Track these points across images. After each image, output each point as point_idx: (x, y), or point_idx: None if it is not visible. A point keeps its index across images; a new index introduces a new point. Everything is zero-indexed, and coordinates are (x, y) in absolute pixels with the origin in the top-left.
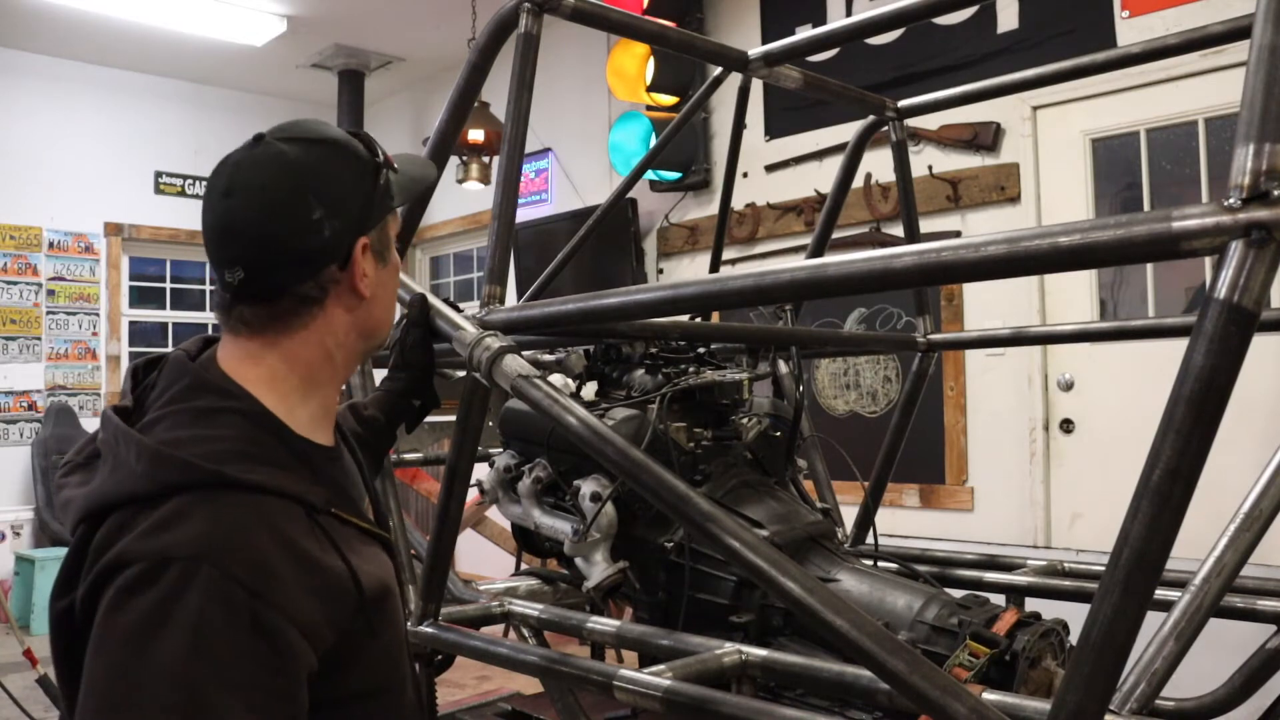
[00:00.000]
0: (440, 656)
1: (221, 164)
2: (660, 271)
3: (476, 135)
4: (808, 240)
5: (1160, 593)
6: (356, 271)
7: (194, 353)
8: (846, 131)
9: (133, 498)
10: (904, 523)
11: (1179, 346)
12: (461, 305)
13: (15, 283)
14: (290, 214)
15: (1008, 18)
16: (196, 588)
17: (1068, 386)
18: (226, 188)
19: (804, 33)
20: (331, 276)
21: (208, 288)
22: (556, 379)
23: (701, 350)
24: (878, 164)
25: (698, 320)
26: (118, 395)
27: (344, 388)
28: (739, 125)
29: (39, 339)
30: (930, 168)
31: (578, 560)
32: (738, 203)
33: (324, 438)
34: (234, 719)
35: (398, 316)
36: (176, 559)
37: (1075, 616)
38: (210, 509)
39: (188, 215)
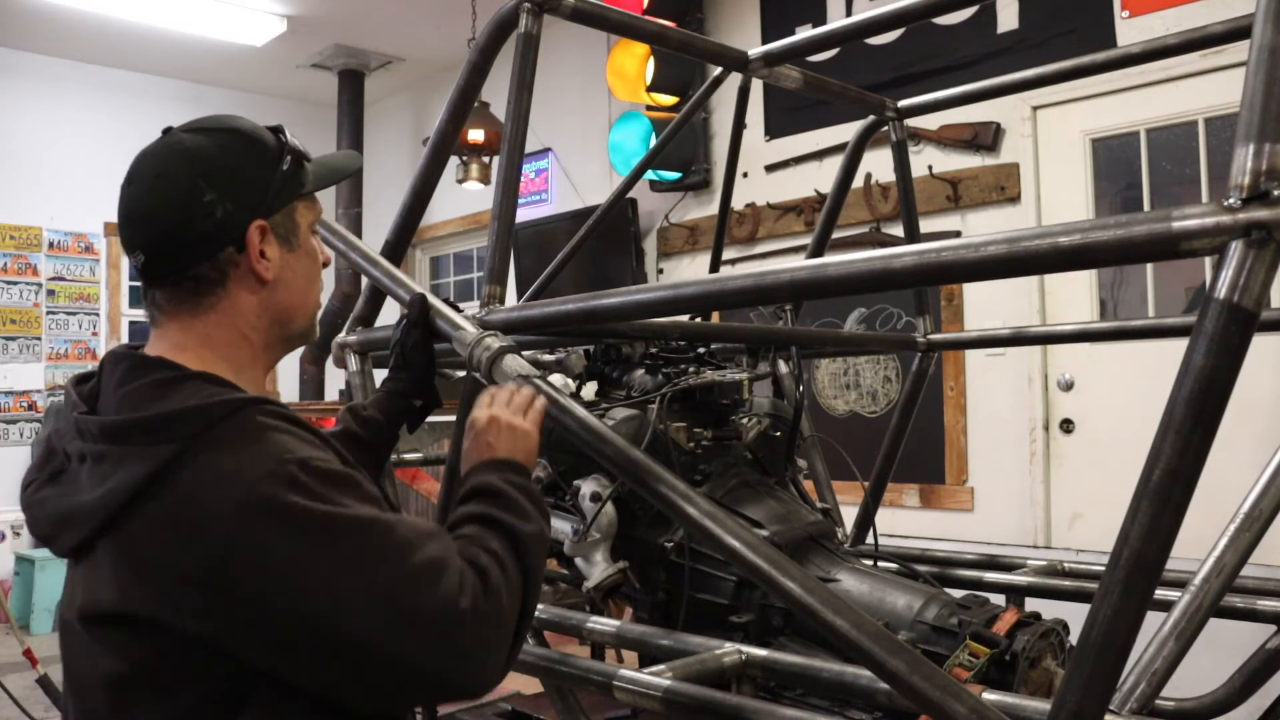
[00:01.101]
0: None
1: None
2: (660, 271)
3: (476, 135)
4: (808, 240)
5: (1160, 593)
6: (253, 254)
7: (121, 352)
8: (846, 131)
9: (152, 477)
10: (904, 523)
11: (1179, 346)
12: (461, 305)
13: (15, 283)
14: (182, 198)
15: (1008, 18)
16: (304, 480)
17: (1068, 386)
18: (129, 177)
19: (804, 33)
20: (229, 259)
21: None
22: (556, 379)
23: (701, 350)
24: (878, 164)
25: (698, 320)
26: None
27: (343, 389)
28: (739, 125)
29: (39, 339)
30: (930, 168)
31: (578, 560)
32: (738, 203)
33: None
34: (402, 525)
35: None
36: (269, 470)
37: (1075, 616)
38: (244, 428)
39: None
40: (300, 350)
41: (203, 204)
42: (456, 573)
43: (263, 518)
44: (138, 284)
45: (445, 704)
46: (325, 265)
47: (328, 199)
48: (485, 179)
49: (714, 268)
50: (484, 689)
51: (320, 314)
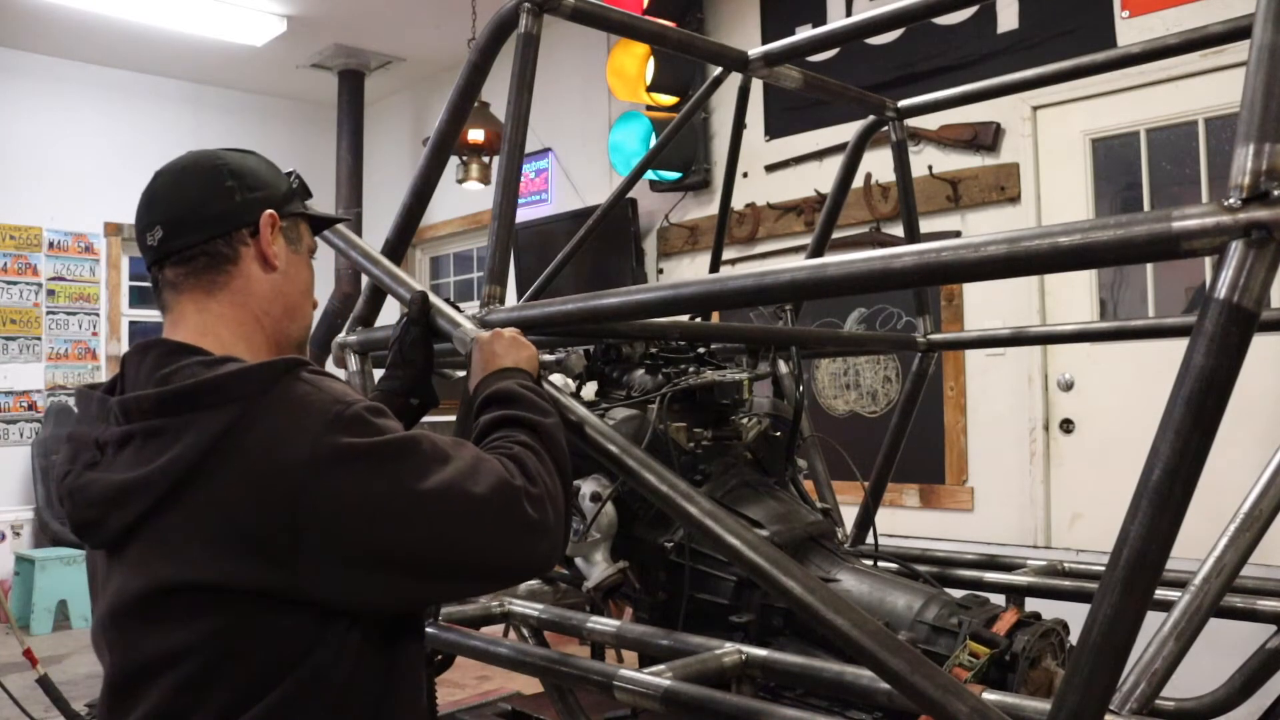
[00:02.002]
0: (440, 656)
1: None
2: (660, 271)
3: (476, 135)
4: (808, 240)
5: (1160, 593)
6: (265, 237)
7: (148, 342)
8: (846, 131)
9: (220, 436)
10: (904, 523)
11: (1179, 346)
12: (461, 305)
13: (15, 283)
14: (204, 181)
15: (1008, 18)
16: (362, 418)
17: (1068, 386)
18: (156, 174)
19: (804, 33)
20: (242, 239)
21: None
22: (556, 379)
23: (701, 350)
24: (878, 164)
25: (698, 320)
26: None
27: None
28: (739, 125)
29: (39, 339)
30: (930, 168)
31: (578, 560)
32: (738, 203)
33: None
34: (439, 437)
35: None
36: (329, 419)
37: (1075, 616)
38: (296, 386)
39: None
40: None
41: (224, 188)
42: (498, 462)
43: (331, 463)
44: (138, 284)
45: (525, 581)
46: (315, 306)
47: (328, 199)
48: (485, 179)
49: (714, 268)
50: (552, 560)
51: (314, 328)
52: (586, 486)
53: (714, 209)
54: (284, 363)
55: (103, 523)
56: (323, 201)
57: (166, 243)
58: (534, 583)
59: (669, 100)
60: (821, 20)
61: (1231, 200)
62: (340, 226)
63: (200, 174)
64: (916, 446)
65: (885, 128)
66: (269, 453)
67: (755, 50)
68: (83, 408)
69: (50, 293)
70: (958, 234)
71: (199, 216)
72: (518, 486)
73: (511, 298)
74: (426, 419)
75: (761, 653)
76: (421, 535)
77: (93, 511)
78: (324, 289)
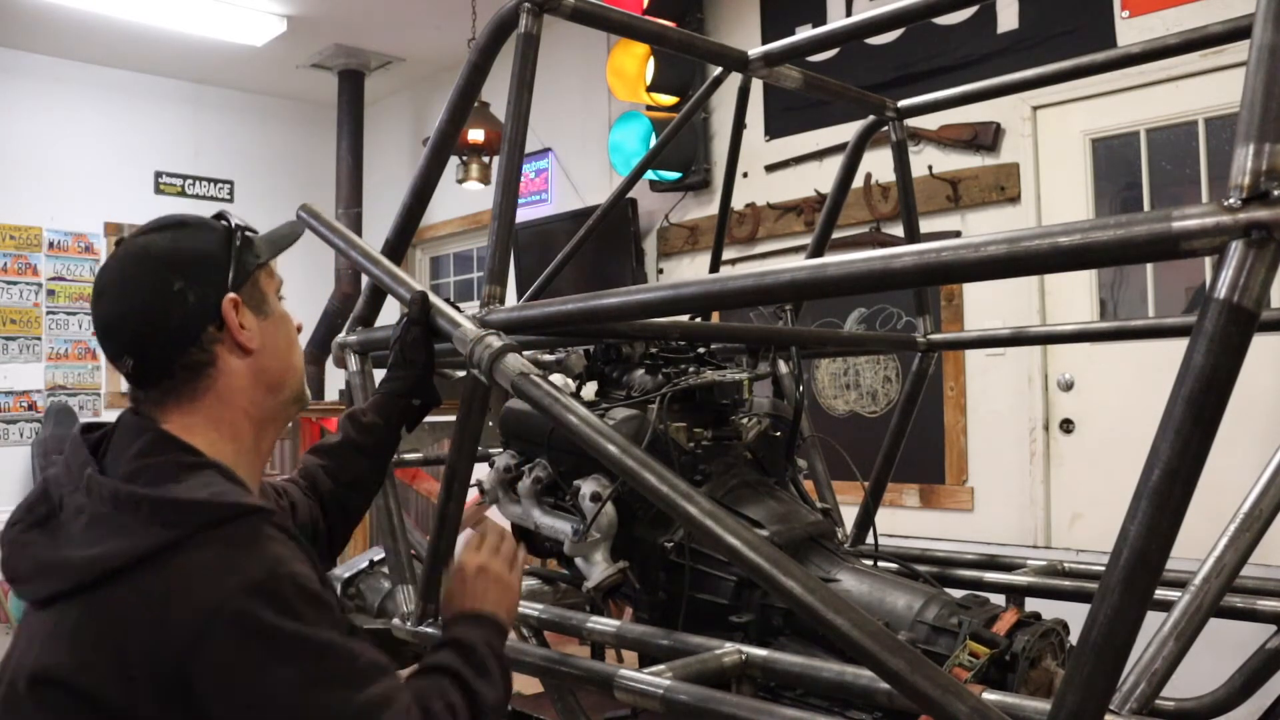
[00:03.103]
0: None
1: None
2: (660, 271)
3: (476, 135)
4: (808, 240)
5: (1160, 593)
6: (233, 326)
7: (139, 424)
8: (846, 131)
9: (146, 556)
10: (904, 523)
11: (1179, 346)
12: (461, 305)
13: (15, 283)
14: (152, 295)
15: (1008, 18)
16: (288, 597)
17: (1068, 386)
18: (97, 292)
19: (804, 33)
20: (212, 338)
21: None
22: (556, 379)
23: (701, 350)
24: (878, 164)
25: (698, 320)
26: (118, 396)
27: (343, 389)
28: (739, 125)
29: (39, 339)
30: (930, 168)
31: (578, 560)
32: (738, 203)
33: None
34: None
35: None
36: (259, 581)
37: (1075, 616)
38: (247, 534)
39: None
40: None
41: (174, 294)
42: (403, 711)
43: (235, 627)
44: None
45: None
46: (299, 330)
47: (328, 199)
48: (485, 179)
49: (714, 268)
50: None
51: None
52: (586, 486)
53: (714, 209)
54: (249, 507)
55: (29, 583)
56: (323, 201)
57: (141, 371)
58: (534, 582)
59: (669, 100)
60: (821, 20)
61: (1231, 200)
62: (339, 226)
63: (143, 283)
64: (916, 446)
65: (885, 128)
66: (184, 589)
67: (755, 50)
68: (73, 457)
69: (50, 293)
70: (958, 234)
71: (162, 334)
72: None
73: (511, 298)
74: (426, 419)
75: (761, 653)
76: None
77: (24, 571)
78: (324, 289)
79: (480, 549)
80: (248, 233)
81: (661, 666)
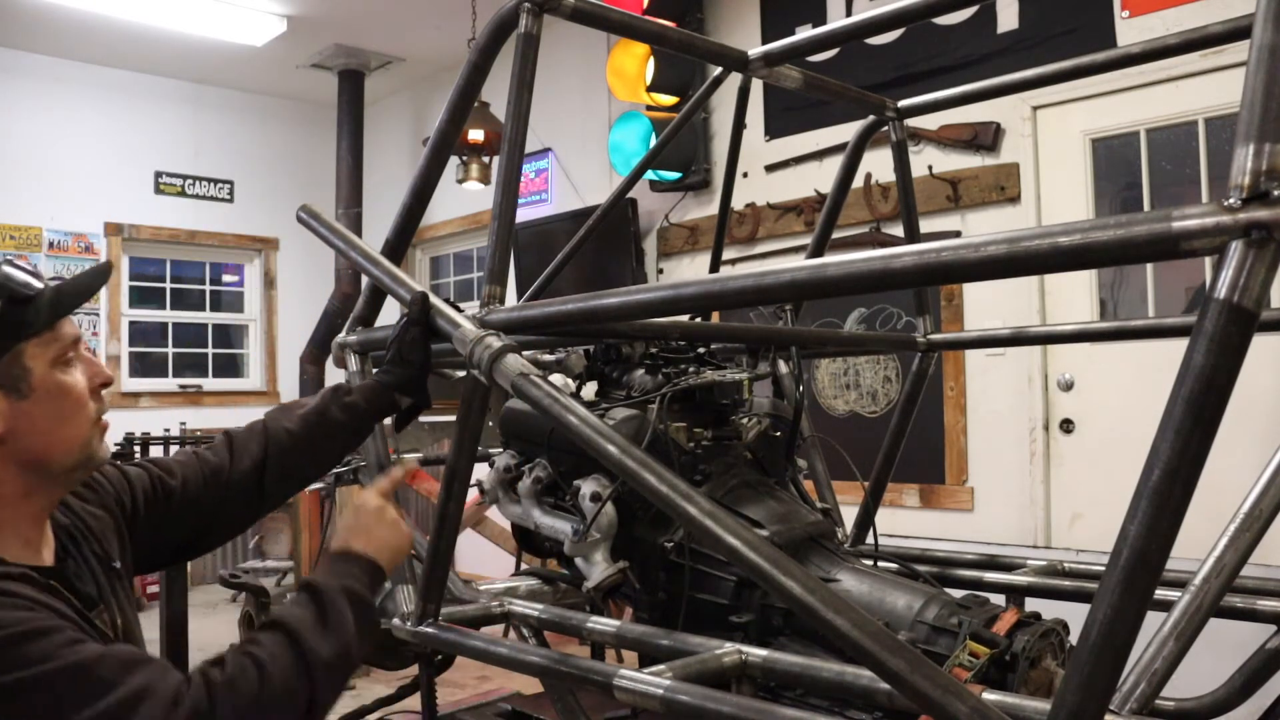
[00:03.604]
0: (440, 656)
1: None
2: (660, 271)
3: (476, 135)
4: (808, 240)
5: (1160, 593)
6: None
7: None
8: (846, 131)
9: None
10: (904, 523)
11: (1179, 346)
12: (461, 305)
13: None
14: None
15: (1008, 18)
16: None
17: (1068, 386)
18: None
19: (804, 33)
20: None
21: (208, 288)
22: (556, 379)
23: (701, 350)
24: (878, 164)
25: (698, 320)
26: (118, 396)
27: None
28: (739, 125)
29: None
30: (930, 168)
31: (578, 560)
32: (738, 203)
33: (39, 558)
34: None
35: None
36: None
37: (1075, 616)
38: None
39: (188, 215)
40: (301, 350)
41: None
42: (168, 691)
43: None
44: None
45: None
46: (105, 385)
47: (328, 199)
48: (485, 179)
49: (714, 268)
50: None
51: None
52: (586, 486)
53: (714, 209)
54: None
55: None
56: (323, 201)
57: None
58: (534, 582)
59: (669, 100)
60: (821, 20)
61: (1231, 200)
62: (339, 226)
63: None
64: (916, 446)
65: (885, 128)
66: None
67: (755, 50)
68: None
69: None
70: (958, 234)
71: None
72: None
73: (511, 298)
74: (426, 418)
75: (761, 653)
76: None
77: None
78: (324, 289)
79: (388, 488)
80: (21, 298)
81: (661, 666)
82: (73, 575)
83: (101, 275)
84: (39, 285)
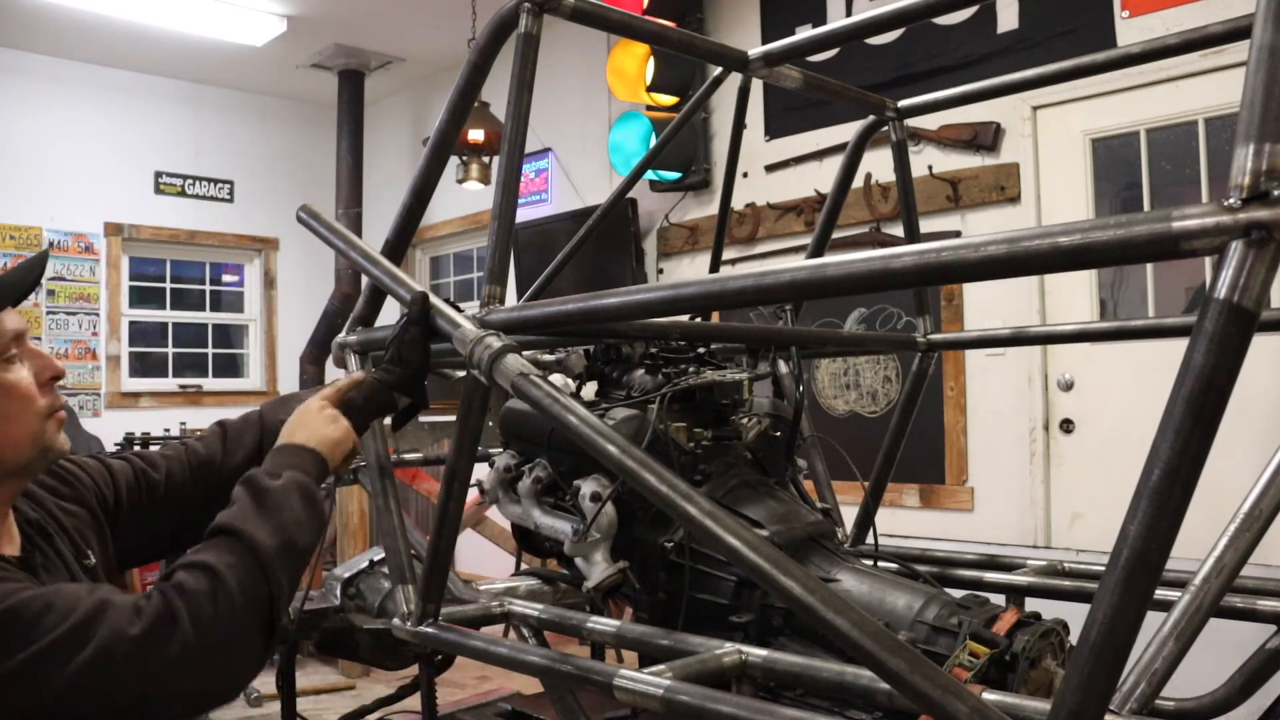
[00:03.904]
0: (440, 656)
1: None
2: (660, 271)
3: (476, 135)
4: (808, 240)
5: (1160, 593)
6: None
7: None
8: (846, 131)
9: None
10: (904, 523)
11: (1179, 346)
12: (461, 305)
13: None
14: None
15: (1008, 18)
16: None
17: (1068, 386)
18: None
19: (804, 33)
20: None
21: (208, 288)
22: (556, 379)
23: (701, 350)
24: (878, 164)
25: (698, 320)
26: (118, 396)
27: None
28: (739, 125)
29: (39, 339)
30: (930, 168)
31: (578, 560)
32: (738, 203)
33: (2, 550)
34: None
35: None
36: None
37: (1075, 616)
38: None
39: (188, 215)
40: (301, 350)
41: None
42: (127, 604)
43: None
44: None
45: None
46: (55, 379)
47: (328, 199)
48: (485, 179)
49: (714, 268)
50: (212, 689)
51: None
52: (586, 486)
53: (714, 209)
54: None
55: None
56: (323, 201)
57: None
58: (534, 582)
59: (669, 100)
60: (821, 20)
61: (1231, 200)
62: (339, 226)
63: None
64: (916, 446)
65: (885, 128)
66: None
67: (755, 50)
68: None
69: (50, 293)
70: (958, 234)
71: None
72: (135, 636)
73: (511, 298)
74: (426, 418)
75: (761, 653)
76: (36, 704)
77: None
78: (324, 289)
79: (331, 394)
80: None
81: (661, 666)
82: (40, 567)
83: (38, 266)
84: None
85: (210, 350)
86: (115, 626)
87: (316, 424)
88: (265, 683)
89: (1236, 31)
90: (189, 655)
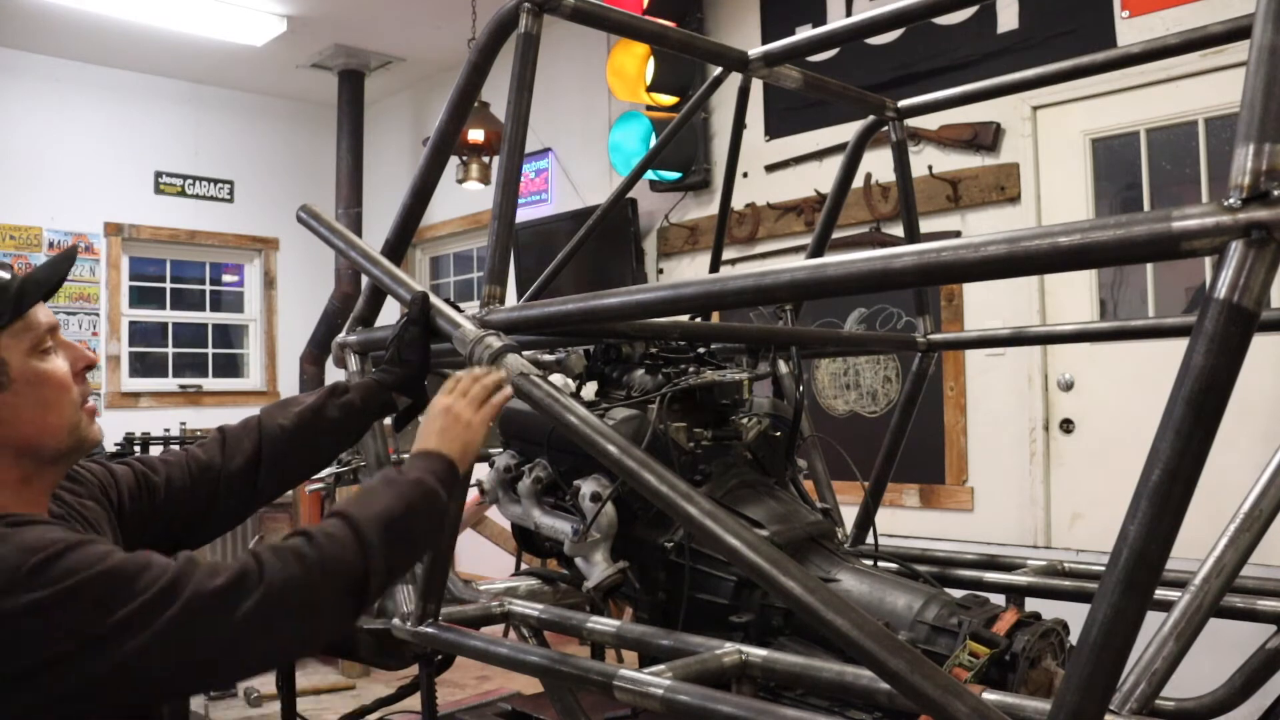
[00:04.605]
0: (440, 656)
1: None
2: (660, 271)
3: (476, 135)
4: (808, 240)
5: (1160, 593)
6: None
7: None
8: (846, 131)
9: None
10: (904, 523)
11: (1179, 346)
12: (461, 305)
13: None
14: None
15: (1008, 18)
16: (32, 572)
17: (1068, 386)
18: None
19: (804, 33)
20: None
21: (208, 288)
22: (556, 379)
23: (701, 350)
24: (878, 164)
25: (698, 320)
26: (119, 396)
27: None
28: (739, 125)
29: None
30: (930, 168)
31: (578, 560)
32: (738, 203)
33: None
34: (134, 559)
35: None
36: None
37: (1075, 616)
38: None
39: (188, 215)
40: (301, 350)
41: None
42: (208, 566)
43: (17, 619)
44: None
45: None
46: (89, 368)
47: (328, 199)
48: (485, 179)
49: (714, 268)
50: (285, 646)
51: (82, 428)
52: (586, 486)
53: (714, 209)
54: None
55: None
56: (323, 201)
57: None
58: (534, 582)
59: (669, 100)
60: (821, 20)
61: (1231, 200)
62: (339, 226)
63: None
64: (916, 446)
65: (885, 128)
66: None
67: (755, 50)
68: None
69: None
70: (958, 234)
71: None
72: (213, 589)
73: (511, 298)
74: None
75: (761, 653)
76: (118, 658)
77: None
78: (324, 289)
79: (451, 392)
80: None
81: (661, 666)
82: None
83: (66, 261)
84: (5, 277)
85: (210, 350)
86: (199, 581)
87: (444, 427)
88: (265, 683)
89: (1236, 31)
90: (265, 610)
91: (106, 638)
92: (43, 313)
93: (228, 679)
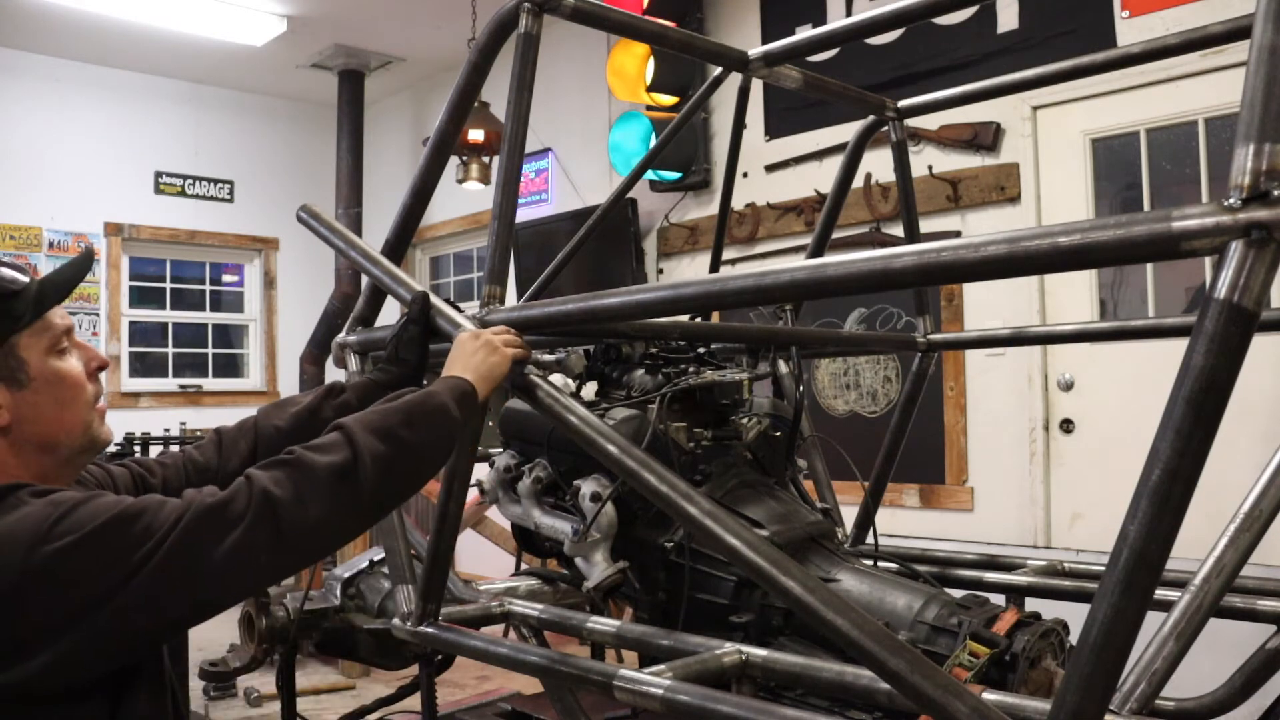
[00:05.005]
0: (440, 656)
1: None
2: (660, 271)
3: (476, 135)
4: (808, 240)
5: (1160, 593)
6: None
7: None
8: (846, 131)
9: None
10: (904, 523)
11: (1179, 346)
12: (461, 305)
13: None
14: None
15: (1008, 18)
16: (54, 526)
17: (1068, 386)
18: None
19: (804, 33)
20: None
21: (208, 288)
22: (556, 379)
23: (701, 350)
24: (878, 164)
25: (698, 320)
26: (119, 396)
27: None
28: (739, 125)
29: None
30: (930, 168)
31: (578, 560)
32: (738, 203)
33: None
34: (144, 501)
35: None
36: (33, 536)
37: (1075, 616)
38: (19, 499)
39: (188, 215)
40: (301, 350)
41: None
42: (209, 490)
43: (41, 568)
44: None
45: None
46: (101, 368)
47: (328, 199)
48: (485, 179)
49: (714, 268)
50: (290, 549)
51: (95, 425)
52: (586, 486)
53: (714, 209)
54: (4, 488)
55: None
56: (323, 201)
57: None
58: (534, 582)
59: (669, 100)
60: (821, 20)
61: (1231, 200)
62: (339, 226)
63: None
64: (916, 446)
65: (885, 128)
66: None
67: (755, 50)
68: None
69: None
70: (958, 234)
71: None
72: (210, 503)
73: (511, 298)
74: None
75: (761, 653)
76: (141, 602)
77: None
78: (324, 289)
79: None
80: (9, 287)
81: (661, 666)
82: None
83: (84, 264)
84: (25, 280)
85: (210, 350)
86: (200, 501)
87: (468, 355)
88: (265, 683)
89: (1236, 31)
90: (260, 508)
91: (134, 568)
92: (59, 314)
93: (239, 587)
